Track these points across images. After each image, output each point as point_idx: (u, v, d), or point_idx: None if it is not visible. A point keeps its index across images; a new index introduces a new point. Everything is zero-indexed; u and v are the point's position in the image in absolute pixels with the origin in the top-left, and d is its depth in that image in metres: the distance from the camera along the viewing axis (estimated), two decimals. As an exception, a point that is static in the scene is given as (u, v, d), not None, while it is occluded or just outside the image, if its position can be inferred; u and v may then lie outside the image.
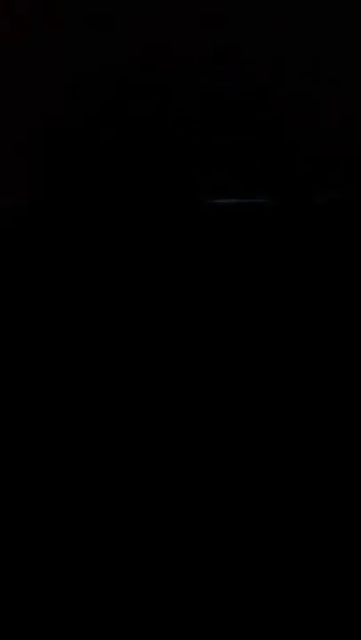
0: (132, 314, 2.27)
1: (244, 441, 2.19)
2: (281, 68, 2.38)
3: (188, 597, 2.01)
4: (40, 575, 2.05)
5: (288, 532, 2.09)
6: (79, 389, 2.23)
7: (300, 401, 2.18)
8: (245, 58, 2.38)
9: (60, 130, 2.44)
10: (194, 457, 2.18)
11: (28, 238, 2.32)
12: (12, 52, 2.43)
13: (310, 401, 2.19)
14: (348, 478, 2.14)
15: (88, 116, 2.43)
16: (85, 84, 2.43)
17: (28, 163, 2.45)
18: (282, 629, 1.95)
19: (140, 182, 2.35)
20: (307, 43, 2.37)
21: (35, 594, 2.02)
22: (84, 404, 2.23)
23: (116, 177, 2.34)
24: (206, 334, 2.24)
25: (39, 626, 1.97)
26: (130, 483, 2.16)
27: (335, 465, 2.16)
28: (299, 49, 2.38)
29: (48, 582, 2.04)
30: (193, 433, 2.19)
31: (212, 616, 1.98)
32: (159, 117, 2.41)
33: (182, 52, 2.38)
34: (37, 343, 2.26)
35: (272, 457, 2.17)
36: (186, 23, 2.37)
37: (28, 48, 2.42)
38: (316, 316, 2.23)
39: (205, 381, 2.20)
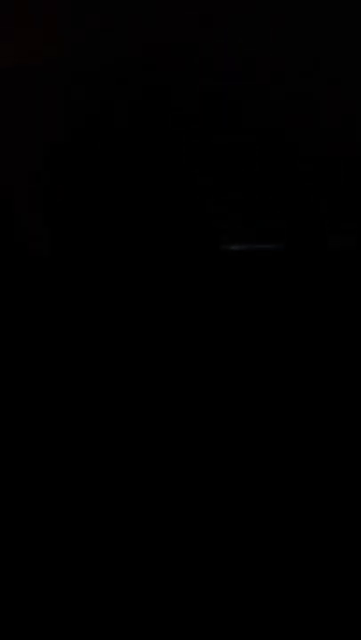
0: (150, 355, 2.27)
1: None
2: (281, 67, 2.38)
3: (188, 597, 2.01)
4: (40, 575, 2.06)
5: (287, 530, 2.09)
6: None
7: (305, 430, 2.19)
8: (245, 58, 2.38)
9: (60, 129, 2.44)
10: (193, 462, 2.19)
11: (48, 287, 2.34)
12: (12, 52, 2.43)
13: (314, 429, 2.20)
14: (344, 481, 2.15)
15: (88, 117, 2.44)
16: (85, 84, 2.43)
17: (29, 166, 2.45)
18: (282, 629, 1.96)
19: (151, 215, 2.36)
20: (307, 43, 2.37)
21: (35, 593, 2.03)
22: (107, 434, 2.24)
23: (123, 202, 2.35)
24: (222, 372, 2.25)
25: (39, 626, 1.98)
26: (129, 488, 2.17)
27: (325, 471, 2.16)
28: (299, 49, 2.38)
29: (48, 582, 2.05)
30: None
31: (211, 615, 1.98)
32: (159, 117, 2.41)
33: (182, 52, 2.38)
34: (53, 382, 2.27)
35: (267, 460, 2.18)
36: (186, 23, 2.37)
37: (29, 48, 2.42)
38: (328, 357, 2.24)
39: (219, 419, 2.21)
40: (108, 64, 2.41)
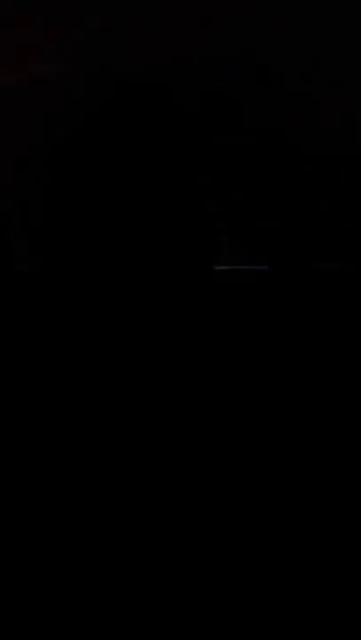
0: (143, 373, 2.27)
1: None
2: (281, 67, 2.38)
3: (188, 597, 2.01)
4: (40, 575, 2.05)
5: (285, 534, 2.09)
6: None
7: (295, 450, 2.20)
8: (245, 57, 2.38)
9: (60, 129, 2.44)
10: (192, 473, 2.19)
11: (41, 304, 2.34)
12: (12, 52, 2.43)
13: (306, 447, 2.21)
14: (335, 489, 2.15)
15: (88, 117, 2.44)
16: (85, 84, 2.43)
17: (28, 164, 2.46)
18: (282, 629, 1.96)
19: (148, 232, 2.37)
20: (307, 43, 2.37)
21: (35, 594, 2.03)
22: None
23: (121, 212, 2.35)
24: (212, 392, 2.24)
25: (39, 626, 1.98)
26: (127, 496, 2.17)
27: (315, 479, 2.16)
28: (299, 49, 2.38)
29: (48, 582, 2.04)
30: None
31: (212, 616, 1.98)
32: (159, 117, 2.41)
33: (182, 52, 2.38)
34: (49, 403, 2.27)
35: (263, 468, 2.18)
36: (186, 23, 2.37)
37: (29, 48, 2.42)
38: (312, 379, 2.24)
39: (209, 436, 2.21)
40: (108, 64, 2.41)
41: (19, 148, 2.46)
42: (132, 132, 2.42)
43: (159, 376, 2.27)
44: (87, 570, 2.07)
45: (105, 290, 2.36)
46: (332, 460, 2.17)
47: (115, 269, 2.38)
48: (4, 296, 2.37)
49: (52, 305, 2.35)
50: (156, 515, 2.13)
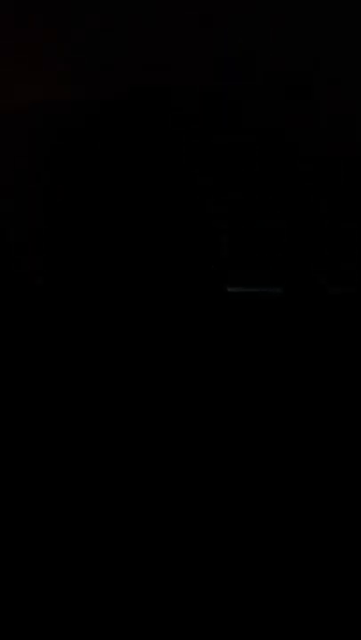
0: (160, 391, 2.27)
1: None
2: (281, 67, 2.38)
3: (188, 597, 2.01)
4: (40, 576, 2.05)
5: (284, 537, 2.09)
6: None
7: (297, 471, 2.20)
8: (246, 57, 2.38)
9: (59, 132, 2.44)
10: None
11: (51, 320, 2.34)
12: (12, 52, 2.43)
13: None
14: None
15: (88, 117, 2.44)
16: (85, 85, 2.43)
17: (29, 161, 2.46)
18: (282, 629, 1.96)
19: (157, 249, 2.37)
20: (307, 42, 2.37)
21: (35, 594, 2.03)
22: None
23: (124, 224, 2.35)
24: (223, 414, 2.24)
25: (39, 626, 1.98)
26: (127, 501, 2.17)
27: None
28: (299, 49, 2.38)
29: (48, 582, 2.04)
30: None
31: (211, 616, 1.98)
32: (159, 117, 2.42)
33: (182, 52, 2.38)
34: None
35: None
36: (186, 23, 2.37)
37: (29, 48, 2.42)
38: (322, 400, 2.24)
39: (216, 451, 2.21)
40: (108, 64, 2.41)
41: (19, 148, 2.46)
42: (132, 133, 2.42)
43: (162, 389, 2.27)
44: (87, 569, 2.06)
45: (107, 292, 2.36)
46: (337, 478, 2.17)
47: (116, 270, 2.38)
48: (4, 297, 2.37)
49: (52, 306, 2.35)
50: (158, 516, 2.13)
